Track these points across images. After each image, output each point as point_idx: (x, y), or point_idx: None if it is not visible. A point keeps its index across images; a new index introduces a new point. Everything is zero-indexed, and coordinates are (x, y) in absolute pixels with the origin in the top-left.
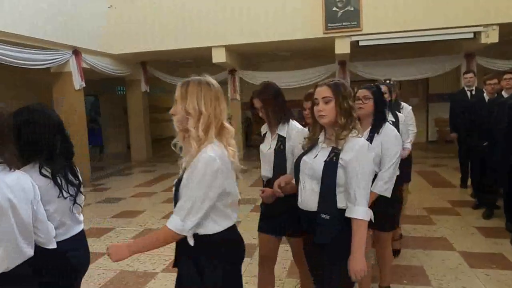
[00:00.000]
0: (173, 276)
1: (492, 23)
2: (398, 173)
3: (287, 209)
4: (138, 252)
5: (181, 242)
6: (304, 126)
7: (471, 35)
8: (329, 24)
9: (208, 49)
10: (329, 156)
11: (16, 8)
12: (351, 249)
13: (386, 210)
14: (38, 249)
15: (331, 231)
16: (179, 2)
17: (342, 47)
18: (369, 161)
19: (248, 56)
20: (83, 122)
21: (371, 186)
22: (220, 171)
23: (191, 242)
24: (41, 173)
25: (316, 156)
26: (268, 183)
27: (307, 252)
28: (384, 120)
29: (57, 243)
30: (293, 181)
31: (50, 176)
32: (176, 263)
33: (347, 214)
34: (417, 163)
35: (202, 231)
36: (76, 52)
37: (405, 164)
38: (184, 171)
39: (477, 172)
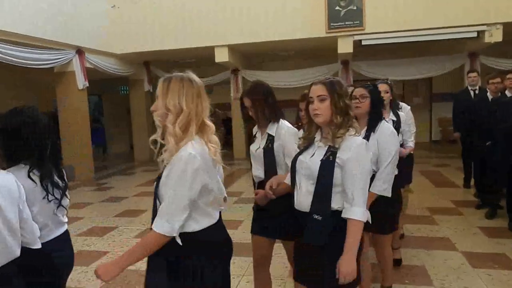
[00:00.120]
0: None
1: (495, 22)
2: (396, 172)
3: (280, 212)
4: (129, 265)
5: None
6: (300, 126)
7: (475, 34)
8: (331, 24)
9: (211, 49)
10: (325, 155)
11: (16, 8)
12: (338, 250)
13: (386, 210)
14: (23, 249)
15: (321, 231)
16: (179, 2)
17: (344, 46)
18: (367, 161)
19: (251, 55)
20: (86, 122)
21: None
22: (201, 168)
23: (179, 241)
24: (29, 176)
25: (312, 155)
26: (261, 184)
27: (302, 252)
28: (380, 118)
29: (42, 244)
30: (286, 181)
31: (38, 180)
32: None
33: (343, 215)
34: (420, 163)
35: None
36: (80, 51)
37: (406, 164)
38: (164, 168)
39: (478, 172)
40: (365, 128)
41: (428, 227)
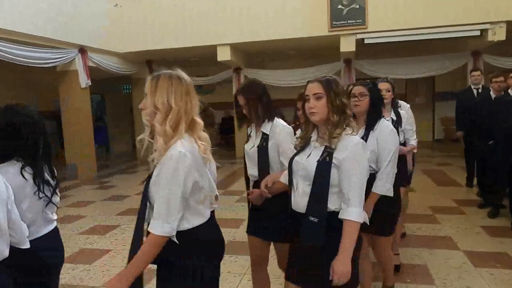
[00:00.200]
0: None
1: (499, 21)
2: (396, 170)
3: (276, 213)
4: (137, 275)
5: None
6: (298, 126)
7: (478, 33)
8: (334, 22)
9: (213, 48)
10: (322, 155)
11: (16, 8)
12: (338, 250)
13: (387, 210)
14: (11, 249)
15: (317, 233)
16: (179, 2)
17: (347, 45)
18: (364, 160)
19: (253, 54)
20: (88, 120)
21: (372, 187)
22: (192, 166)
23: (175, 240)
24: (21, 173)
25: (309, 156)
26: (256, 183)
27: (298, 252)
28: (379, 117)
29: (30, 241)
30: (281, 180)
31: (30, 177)
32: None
33: (340, 216)
34: (423, 162)
35: None
36: (82, 50)
37: (406, 164)
38: (154, 167)
39: (480, 171)
40: (364, 126)
41: (430, 226)
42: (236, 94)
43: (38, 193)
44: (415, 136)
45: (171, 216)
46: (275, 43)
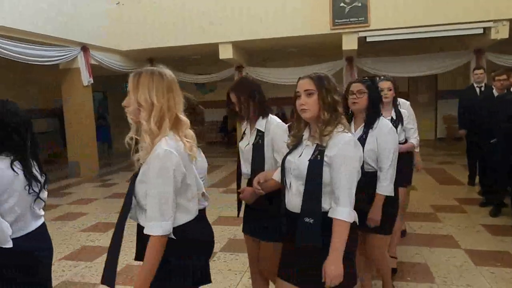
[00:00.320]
0: None
1: (502, 19)
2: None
3: (275, 213)
4: (150, 281)
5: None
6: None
7: (481, 31)
8: (336, 20)
9: (215, 46)
10: (313, 154)
11: (16, 8)
12: (329, 251)
13: (387, 210)
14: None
15: (313, 233)
16: (180, 1)
17: (349, 43)
18: (355, 158)
19: (255, 52)
20: (91, 118)
21: (377, 188)
22: (179, 163)
23: (173, 236)
24: (12, 167)
25: (300, 155)
26: (249, 182)
27: (298, 252)
28: (378, 115)
29: (18, 237)
30: (274, 178)
31: (20, 171)
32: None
33: (329, 214)
34: (425, 160)
35: None
36: (85, 48)
37: (407, 164)
38: (140, 166)
39: (481, 170)
40: (363, 124)
41: (431, 225)
42: (228, 92)
43: (28, 188)
44: (415, 135)
45: (167, 214)
46: (277, 41)
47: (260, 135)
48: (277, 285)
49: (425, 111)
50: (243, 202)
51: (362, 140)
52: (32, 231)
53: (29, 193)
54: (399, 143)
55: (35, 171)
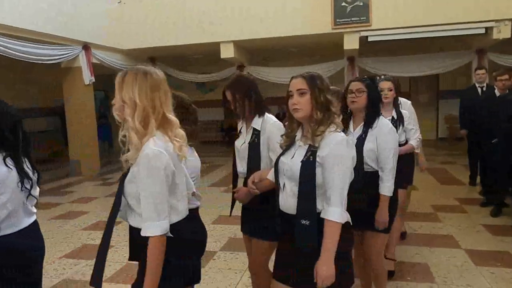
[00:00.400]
0: None
1: (504, 18)
2: None
3: (262, 213)
4: (157, 282)
5: (131, 237)
6: None
7: (483, 31)
8: (337, 20)
9: (217, 45)
10: (305, 155)
11: (16, 8)
12: (320, 252)
13: (390, 206)
14: None
15: (312, 235)
16: (180, 0)
17: (351, 43)
18: (348, 158)
19: (257, 51)
20: (92, 117)
21: (379, 188)
22: (169, 162)
23: (171, 234)
24: (5, 163)
25: (293, 156)
26: (245, 181)
27: (297, 253)
28: (378, 114)
29: (10, 234)
30: (269, 178)
31: (14, 168)
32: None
33: (321, 215)
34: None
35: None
36: (86, 47)
37: (407, 164)
38: (130, 166)
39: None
40: (362, 124)
41: (432, 224)
42: (223, 90)
43: (21, 185)
44: (416, 136)
45: (163, 213)
46: (278, 40)
47: (256, 133)
48: (272, 287)
49: (426, 111)
50: (238, 202)
51: (361, 139)
52: (25, 228)
53: (21, 190)
54: (400, 144)
55: (27, 168)
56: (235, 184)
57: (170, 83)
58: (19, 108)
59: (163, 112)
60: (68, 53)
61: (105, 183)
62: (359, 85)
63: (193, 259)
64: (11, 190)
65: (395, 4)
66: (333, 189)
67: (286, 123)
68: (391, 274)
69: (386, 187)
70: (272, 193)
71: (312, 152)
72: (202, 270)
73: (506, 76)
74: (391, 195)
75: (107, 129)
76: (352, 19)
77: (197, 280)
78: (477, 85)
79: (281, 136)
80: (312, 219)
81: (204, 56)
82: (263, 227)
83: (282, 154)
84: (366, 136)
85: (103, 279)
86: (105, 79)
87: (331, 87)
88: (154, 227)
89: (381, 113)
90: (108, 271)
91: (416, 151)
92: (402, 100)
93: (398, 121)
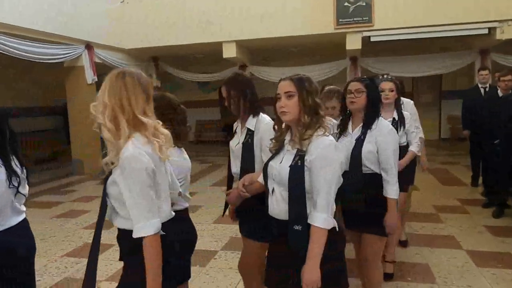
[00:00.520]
0: None
1: (507, 19)
2: None
3: (253, 216)
4: (160, 282)
5: (118, 237)
6: None
7: (486, 31)
8: (340, 20)
9: (219, 45)
10: (294, 160)
11: (16, 8)
12: (306, 258)
13: (384, 210)
14: None
15: (306, 238)
16: (181, 0)
17: (353, 43)
18: (335, 163)
19: (259, 51)
20: None
21: (383, 191)
22: (150, 162)
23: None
24: None
25: (281, 160)
26: None
27: (280, 258)
28: (377, 115)
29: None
30: (260, 180)
31: (1, 164)
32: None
33: (308, 220)
34: (428, 160)
35: (127, 225)
36: (89, 46)
37: (408, 165)
38: (110, 168)
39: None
40: (361, 125)
41: (433, 225)
42: (220, 86)
43: (9, 183)
44: (417, 139)
45: (152, 213)
46: (280, 40)
47: (250, 134)
48: None
49: (429, 111)
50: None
51: (360, 141)
52: (12, 226)
53: (9, 187)
54: (400, 146)
55: (15, 165)
56: (230, 185)
57: (171, 82)
58: (20, 107)
59: (133, 113)
60: (70, 52)
61: None
62: (358, 85)
63: (182, 259)
64: None
65: (398, 4)
66: (319, 194)
67: (275, 126)
68: (390, 276)
69: (393, 190)
70: (263, 194)
71: (300, 156)
72: (203, 270)
73: (509, 77)
74: (398, 197)
75: None
76: (355, 19)
77: (187, 277)
78: (480, 85)
79: (270, 139)
80: (304, 223)
81: (206, 55)
82: (255, 228)
83: (271, 158)
84: (365, 137)
85: (105, 278)
86: None
87: (331, 87)
88: (146, 227)
89: (381, 114)
90: (109, 270)
91: (418, 154)
92: (404, 100)
93: (399, 123)
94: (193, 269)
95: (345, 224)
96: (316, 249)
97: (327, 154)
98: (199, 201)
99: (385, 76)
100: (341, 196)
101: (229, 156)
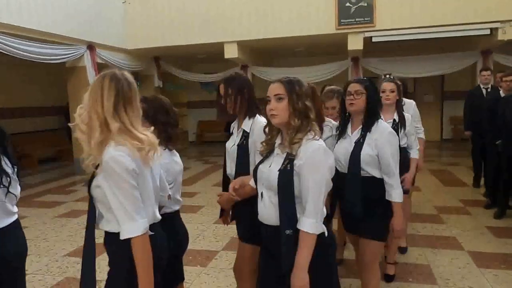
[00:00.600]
0: None
1: (509, 19)
2: None
3: (244, 217)
4: (152, 284)
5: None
6: None
7: (488, 32)
8: (342, 20)
9: (220, 45)
10: (283, 164)
11: (24, 8)
12: (294, 263)
13: (382, 214)
14: None
15: (295, 244)
16: (184, 0)
17: (355, 43)
18: (324, 168)
19: (260, 52)
20: None
21: (386, 195)
22: (130, 165)
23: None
24: None
25: (271, 164)
26: None
27: (273, 262)
28: (377, 117)
29: None
30: (251, 184)
31: None
32: None
33: (297, 225)
34: (430, 161)
35: (114, 228)
36: (91, 47)
37: (407, 169)
38: (92, 172)
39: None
40: (360, 127)
41: (435, 226)
42: (218, 84)
43: (1, 182)
44: (416, 143)
45: (138, 213)
46: (282, 41)
47: (245, 135)
48: None
49: (431, 112)
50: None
51: (359, 144)
52: (3, 227)
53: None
54: (400, 148)
55: (5, 164)
56: (225, 187)
57: (179, 84)
58: (23, 107)
59: (105, 117)
60: (73, 53)
61: None
62: (357, 86)
63: (172, 261)
64: None
65: (399, 4)
66: (308, 199)
67: (266, 129)
68: (391, 278)
69: (397, 194)
70: (254, 197)
71: (289, 160)
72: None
73: (511, 78)
74: (402, 200)
75: None
76: (356, 19)
77: (181, 279)
78: (482, 86)
79: (261, 143)
80: (294, 227)
81: (208, 56)
82: (248, 231)
83: (261, 162)
84: (364, 140)
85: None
86: None
87: (331, 87)
88: (133, 228)
89: (381, 115)
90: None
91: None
92: (406, 101)
93: (399, 124)
94: (194, 269)
95: (344, 226)
96: (304, 254)
97: (315, 159)
98: (201, 201)
99: (387, 76)
100: (339, 199)
101: (224, 158)
